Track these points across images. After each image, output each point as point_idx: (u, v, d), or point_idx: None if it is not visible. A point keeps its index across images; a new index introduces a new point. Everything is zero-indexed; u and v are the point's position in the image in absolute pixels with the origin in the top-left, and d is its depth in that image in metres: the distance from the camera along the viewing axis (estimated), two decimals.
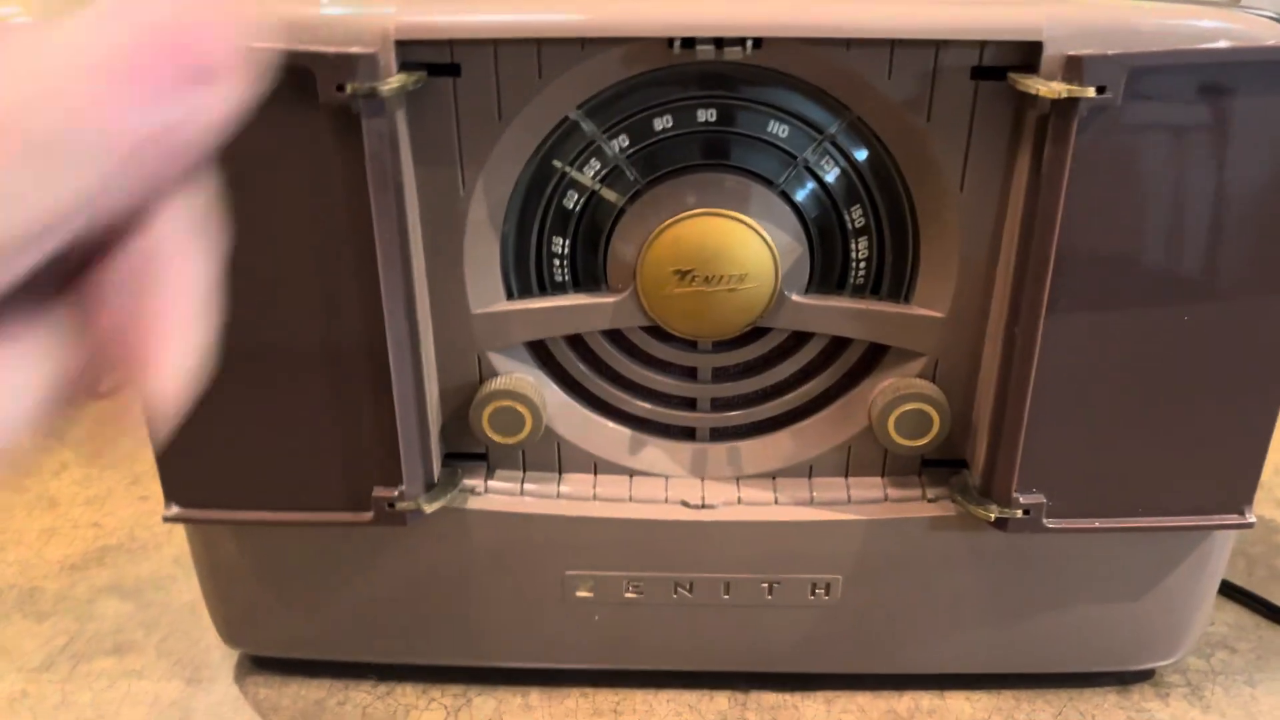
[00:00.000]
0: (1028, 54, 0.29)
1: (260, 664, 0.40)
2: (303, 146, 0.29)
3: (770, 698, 0.39)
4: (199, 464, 0.34)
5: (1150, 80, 0.28)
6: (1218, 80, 0.29)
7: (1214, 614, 0.43)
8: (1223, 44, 0.29)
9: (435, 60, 0.30)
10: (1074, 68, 0.28)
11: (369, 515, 0.34)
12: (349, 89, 0.28)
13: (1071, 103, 0.28)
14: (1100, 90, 0.28)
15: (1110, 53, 0.28)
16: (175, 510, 0.35)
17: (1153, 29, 0.29)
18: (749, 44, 0.29)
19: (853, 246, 0.34)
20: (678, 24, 0.29)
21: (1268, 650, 0.41)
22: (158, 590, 0.44)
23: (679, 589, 0.37)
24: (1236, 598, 0.43)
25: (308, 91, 0.29)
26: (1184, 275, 0.31)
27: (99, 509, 0.48)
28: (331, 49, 0.28)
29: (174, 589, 0.44)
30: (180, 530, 0.47)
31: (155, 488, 0.49)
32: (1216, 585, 0.38)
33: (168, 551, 0.46)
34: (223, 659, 0.41)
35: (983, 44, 0.30)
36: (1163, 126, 0.29)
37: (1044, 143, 0.29)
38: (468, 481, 0.36)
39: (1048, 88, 0.28)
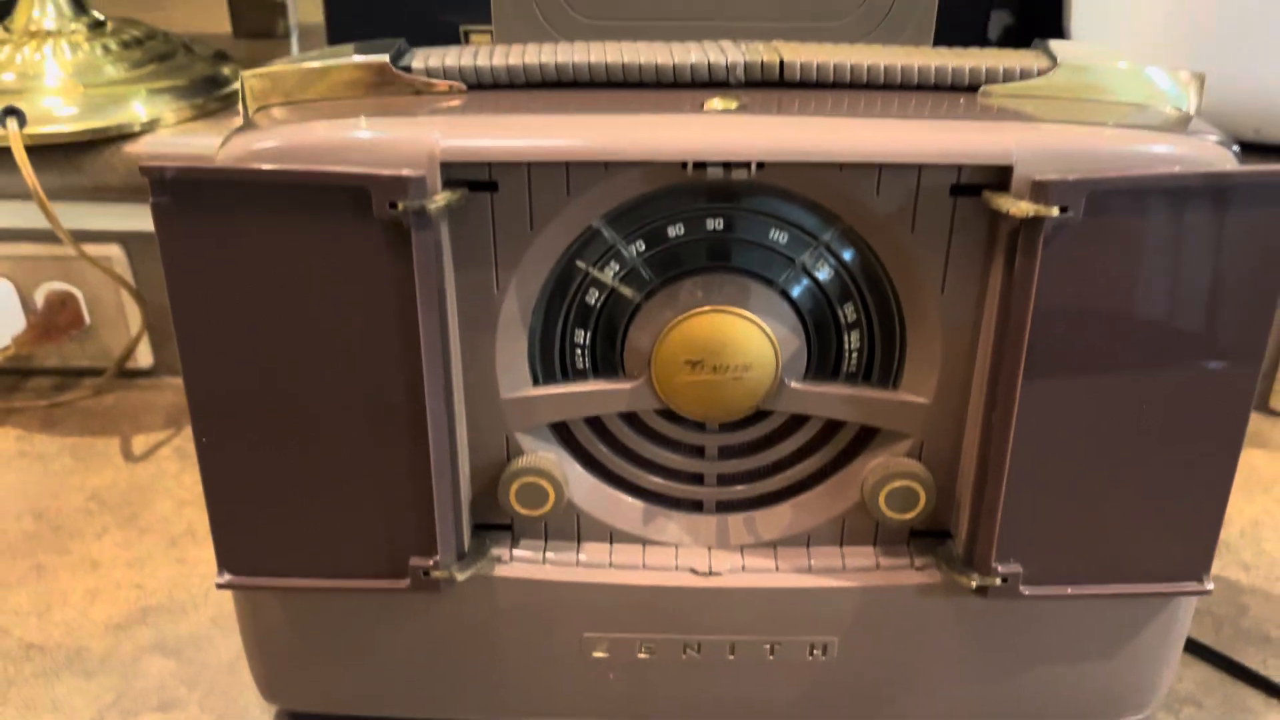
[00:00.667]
0: (1000, 175, 0.33)
1: (297, 719, 0.43)
2: (360, 254, 0.33)
3: None
4: (250, 536, 0.38)
5: (1107, 200, 0.32)
6: (1166, 198, 0.33)
7: (1182, 671, 0.46)
8: (1171, 167, 0.33)
9: (475, 179, 0.34)
10: (1040, 190, 0.32)
11: (406, 583, 0.38)
12: (401, 206, 0.32)
13: (1038, 220, 0.32)
14: (1063, 209, 0.32)
15: (1071, 177, 0.32)
16: (227, 578, 0.38)
17: (1110, 153, 0.33)
18: (753, 166, 0.33)
19: (845, 339, 0.37)
20: (691, 150, 0.33)
21: (1232, 706, 0.44)
22: (198, 649, 0.47)
23: (688, 650, 0.40)
24: (1204, 656, 0.47)
25: (365, 207, 0.32)
26: (1140, 367, 0.34)
27: (139, 571, 0.52)
28: (385, 172, 0.32)
29: (212, 648, 0.47)
30: (215, 592, 0.50)
31: (192, 550, 0.53)
32: (1181, 645, 0.41)
33: (205, 612, 0.49)
34: (261, 714, 0.43)
35: (960, 166, 0.34)
36: (1119, 239, 0.33)
37: (1015, 253, 0.33)
38: (495, 551, 0.39)
39: (1017, 207, 0.32)
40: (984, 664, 0.40)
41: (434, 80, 0.36)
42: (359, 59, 0.36)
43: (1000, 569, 0.37)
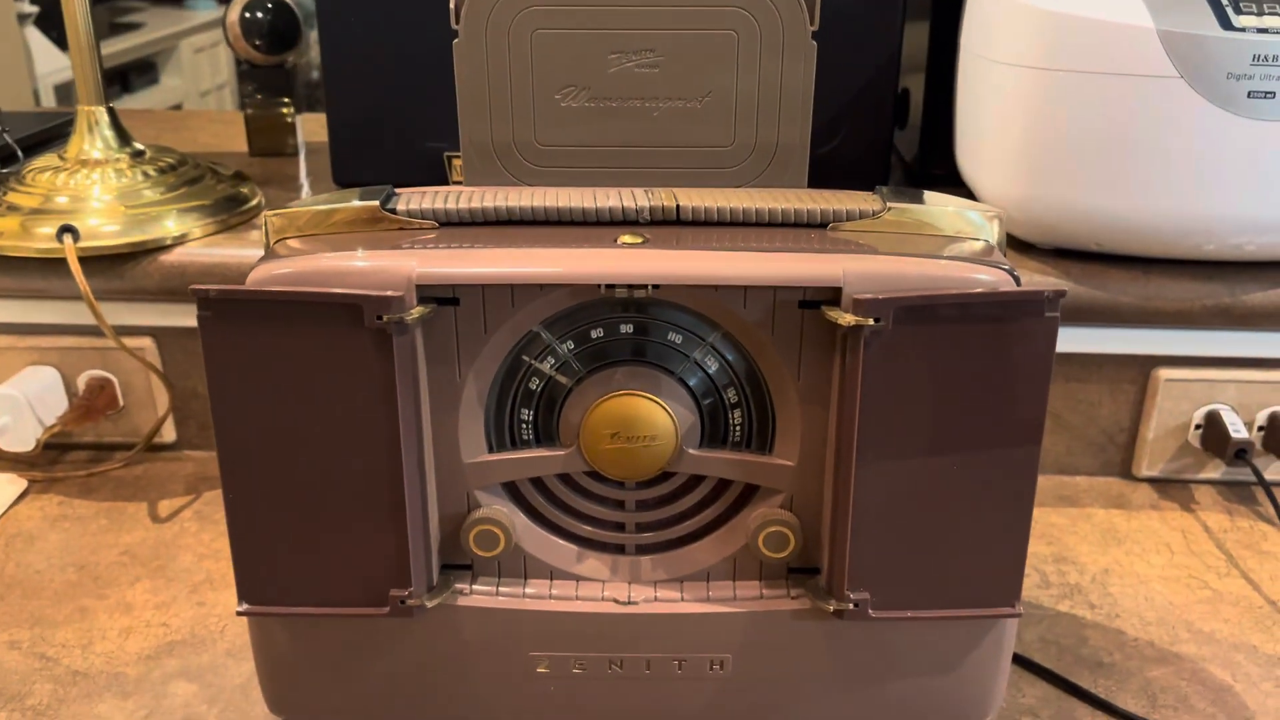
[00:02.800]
0: (834, 294, 0.44)
1: None
2: (354, 354, 0.44)
3: None
4: (264, 572, 0.48)
5: (911, 313, 0.43)
6: (955, 311, 0.44)
7: (1025, 689, 0.56)
8: (963, 289, 0.44)
9: (442, 296, 0.45)
10: (859, 305, 0.43)
11: (386, 610, 0.48)
12: (385, 318, 0.43)
13: (859, 328, 0.43)
14: (877, 320, 0.43)
15: (882, 296, 0.43)
16: (245, 606, 0.48)
17: (916, 276, 0.44)
18: (650, 288, 0.45)
19: (730, 416, 0.48)
20: (605, 275, 0.44)
21: (1064, 717, 0.54)
22: (215, 674, 0.57)
23: (613, 665, 0.50)
24: (1045, 677, 0.57)
25: (358, 319, 0.43)
26: (948, 440, 0.45)
27: (166, 612, 0.61)
28: (374, 292, 0.43)
29: (228, 673, 0.57)
30: (230, 629, 0.60)
31: (210, 596, 0.63)
32: (1009, 660, 0.51)
33: (222, 645, 0.59)
34: None
35: (804, 287, 0.45)
36: (923, 343, 0.44)
37: (846, 352, 0.44)
38: (458, 585, 0.50)
39: (844, 318, 0.43)
40: (849, 678, 0.50)
41: (414, 219, 0.48)
42: (356, 204, 0.48)
43: (852, 596, 0.47)
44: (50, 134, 0.90)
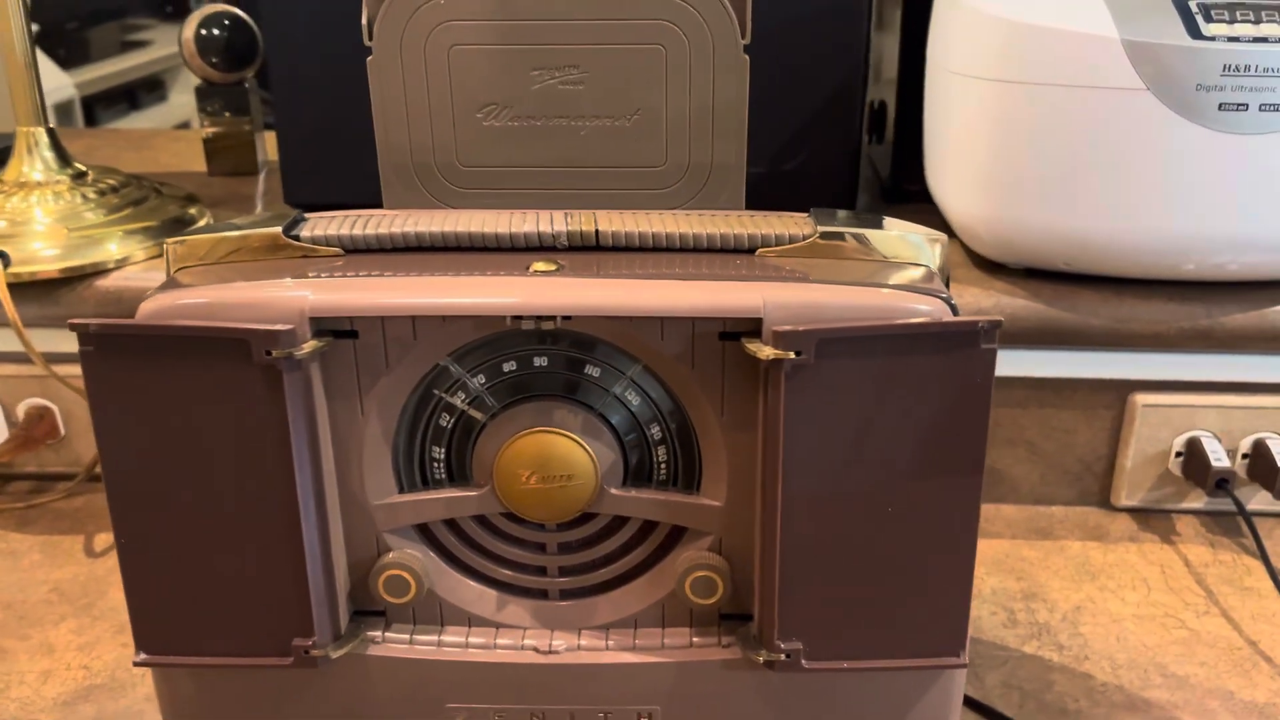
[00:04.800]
0: (754, 324, 0.42)
1: None
2: (244, 391, 0.41)
3: None
4: (162, 621, 0.45)
5: (835, 345, 0.40)
6: (883, 343, 0.41)
7: None
8: (893, 318, 0.41)
9: (338, 329, 0.43)
10: (779, 338, 0.40)
11: (289, 660, 0.45)
12: (274, 353, 0.41)
13: (779, 362, 0.40)
14: (798, 353, 0.40)
15: (802, 328, 0.40)
16: (143, 656, 0.46)
17: (840, 307, 0.41)
18: (559, 319, 0.42)
19: (654, 453, 0.45)
20: (510, 306, 0.41)
21: None
22: None
23: (534, 717, 0.47)
24: None
25: (247, 354, 0.41)
26: (879, 477, 0.42)
27: (89, 654, 0.59)
28: (261, 325, 0.41)
29: None
30: (150, 673, 0.57)
31: None
32: (959, 711, 0.48)
33: (141, 690, 0.56)
34: None
35: (724, 318, 0.42)
36: (849, 376, 0.41)
37: (768, 386, 0.41)
38: (370, 633, 0.47)
39: (763, 351, 0.40)
40: None
41: (318, 246, 0.45)
42: (258, 230, 0.45)
43: (784, 646, 0.44)
44: None
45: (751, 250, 0.45)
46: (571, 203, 0.51)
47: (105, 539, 0.69)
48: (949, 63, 0.65)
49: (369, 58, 0.49)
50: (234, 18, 0.87)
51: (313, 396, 0.42)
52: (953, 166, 0.67)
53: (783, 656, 0.44)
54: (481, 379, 0.45)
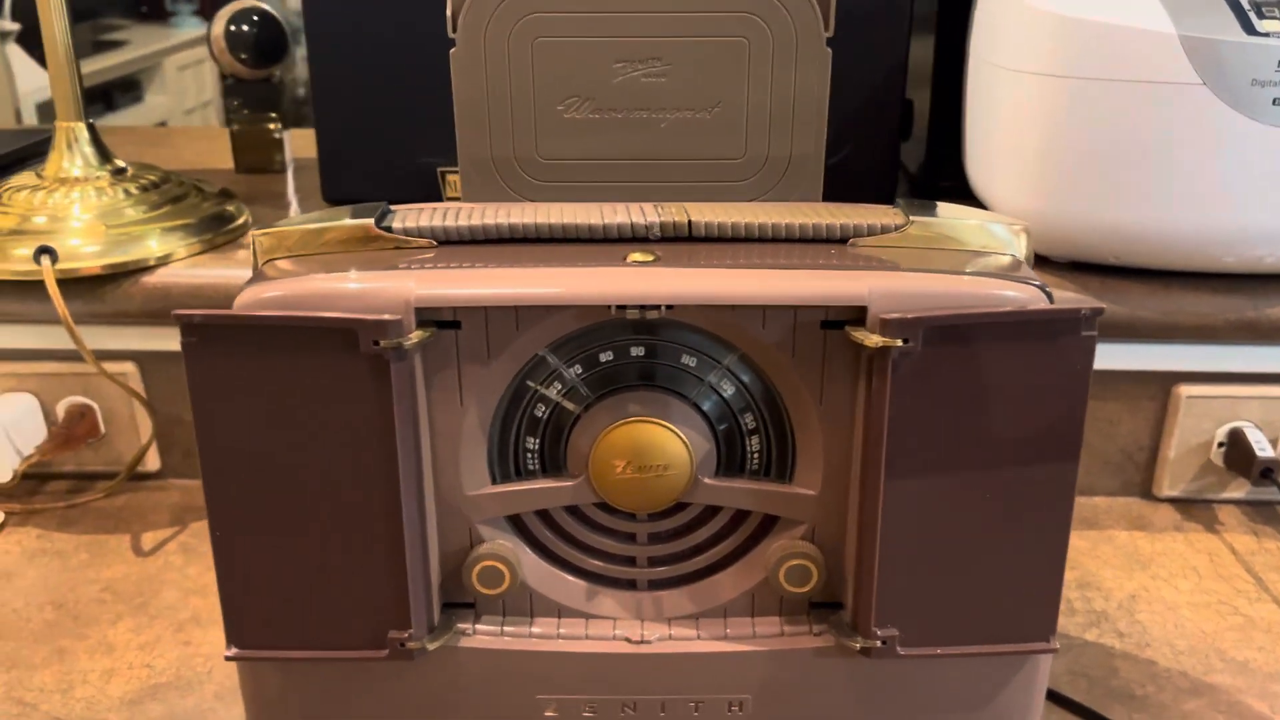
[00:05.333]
0: (858, 313, 0.42)
1: None
2: (349, 381, 0.41)
3: None
4: (254, 614, 0.45)
5: (941, 333, 0.41)
6: (987, 330, 0.41)
7: None
8: (994, 307, 0.41)
9: (442, 319, 0.42)
10: (886, 326, 0.41)
11: (385, 652, 0.45)
12: (382, 344, 0.40)
13: (886, 349, 0.41)
14: (905, 341, 0.41)
15: (910, 315, 0.40)
16: (235, 650, 0.45)
17: (944, 294, 0.42)
18: (663, 308, 0.42)
19: (747, 442, 0.46)
20: (615, 295, 0.42)
21: None
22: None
23: (625, 709, 0.47)
24: (1076, 711, 0.54)
25: (353, 345, 0.41)
26: (981, 464, 0.43)
27: (150, 653, 0.58)
28: (370, 316, 0.40)
29: (216, 719, 0.54)
30: (218, 670, 0.57)
31: (196, 634, 0.60)
32: (1042, 697, 0.48)
33: (209, 688, 0.56)
34: None
35: (827, 307, 0.42)
36: (954, 363, 0.41)
37: (872, 374, 0.42)
38: (460, 625, 0.47)
39: (870, 339, 0.41)
40: (874, 718, 0.48)
41: (410, 238, 0.45)
42: (349, 221, 0.45)
43: (880, 633, 0.45)
44: (27, 152, 0.87)
45: (844, 240, 0.45)
46: (648, 195, 0.51)
47: (152, 538, 0.68)
48: (998, 58, 0.66)
49: (452, 50, 0.49)
50: (263, 13, 0.87)
51: (416, 387, 0.42)
52: (1001, 161, 0.68)
53: (879, 643, 0.45)
54: (578, 369, 0.45)
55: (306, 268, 0.44)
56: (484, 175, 0.51)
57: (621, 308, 0.42)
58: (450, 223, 0.45)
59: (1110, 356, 0.69)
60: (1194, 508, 0.71)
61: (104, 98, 3.00)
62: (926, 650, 0.45)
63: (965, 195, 0.76)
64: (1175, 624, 0.60)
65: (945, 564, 0.44)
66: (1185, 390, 0.69)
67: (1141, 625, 0.60)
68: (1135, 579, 0.64)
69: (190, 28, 3.56)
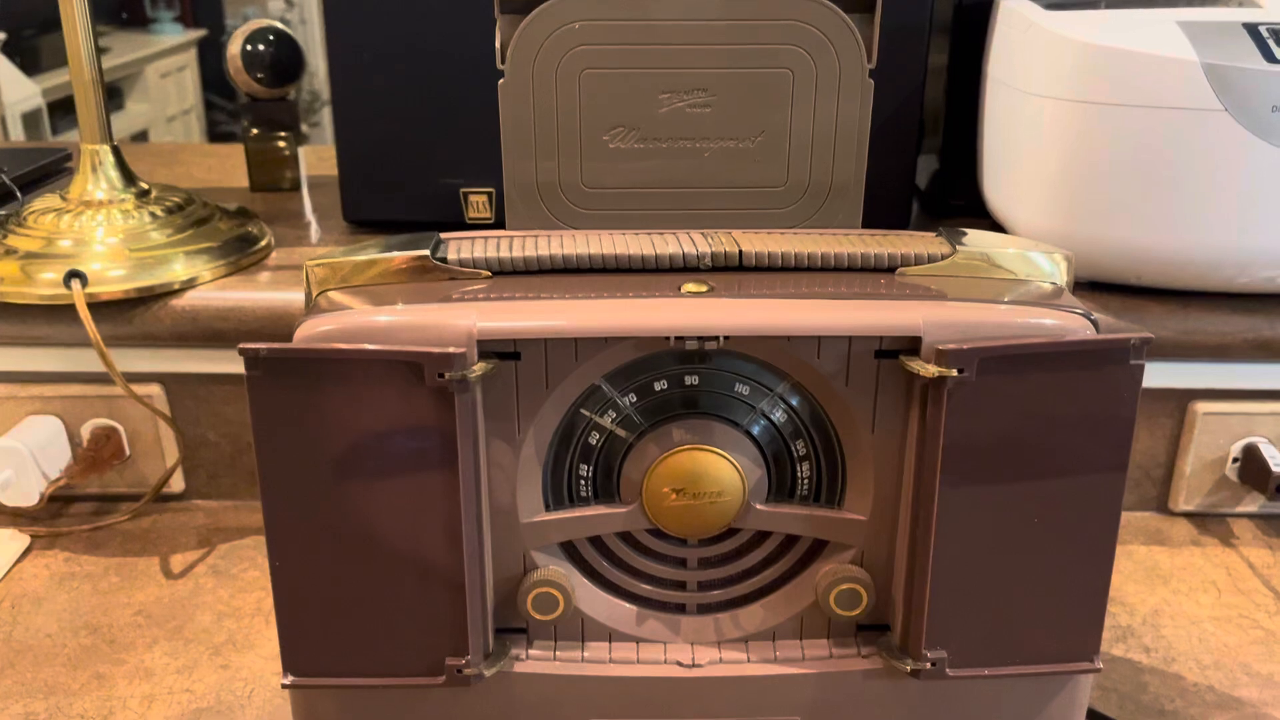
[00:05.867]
0: (912, 343, 0.43)
1: None
2: (412, 412, 0.42)
3: None
4: (311, 642, 0.45)
5: (995, 363, 0.42)
6: (1039, 360, 0.42)
7: None
8: (1044, 336, 0.42)
9: (503, 351, 0.43)
10: (942, 356, 0.42)
11: (441, 679, 0.45)
12: (447, 376, 0.41)
13: (942, 379, 0.42)
14: (960, 371, 0.41)
15: (966, 346, 0.41)
16: (291, 679, 0.46)
17: (997, 325, 0.43)
18: (721, 339, 0.43)
19: (798, 469, 0.46)
20: (673, 327, 0.42)
21: None
22: None
23: None
24: None
25: (418, 377, 0.41)
26: (1031, 489, 0.44)
27: (188, 677, 0.58)
28: (435, 349, 0.41)
29: None
30: (258, 694, 0.57)
31: (234, 658, 0.60)
32: (1084, 716, 0.49)
33: (250, 713, 0.56)
34: None
35: (881, 337, 0.43)
36: (1007, 391, 0.42)
37: (927, 403, 0.43)
38: (514, 651, 0.47)
39: (925, 369, 0.42)
40: None
41: (465, 269, 0.46)
42: (404, 253, 0.46)
43: (929, 655, 0.45)
44: (45, 170, 0.87)
45: (891, 269, 0.46)
46: (691, 222, 0.52)
47: (181, 560, 0.69)
48: (1019, 82, 0.67)
49: (500, 81, 0.49)
50: (279, 33, 0.87)
51: (477, 417, 0.43)
52: (1022, 183, 0.69)
53: (928, 665, 0.46)
54: (632, 398, 0.45)
55: (362, 299, 0.44)
56: (528, 201, 0.52)
57: (680, 339, 0.43)
58: (505, 253, 0.46)
59: None
60: (1209, 522, 0.73)
61: None
62: (974, 671, 0.46)
63: (977, 213, 0.77)
64: (1199, 638, 0.62)
65: (993, 587, 0.45)
66: (1201, 407, 0.70)
67: (1166, 640, 0.61)
68: (1157, 594, 0.66)
69: (172, 35, 3.54)
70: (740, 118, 0.50)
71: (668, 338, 0.43)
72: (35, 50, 2.89)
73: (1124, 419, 0.43)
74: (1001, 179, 0.72)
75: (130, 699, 0.57)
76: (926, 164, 0.87)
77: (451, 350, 0.41)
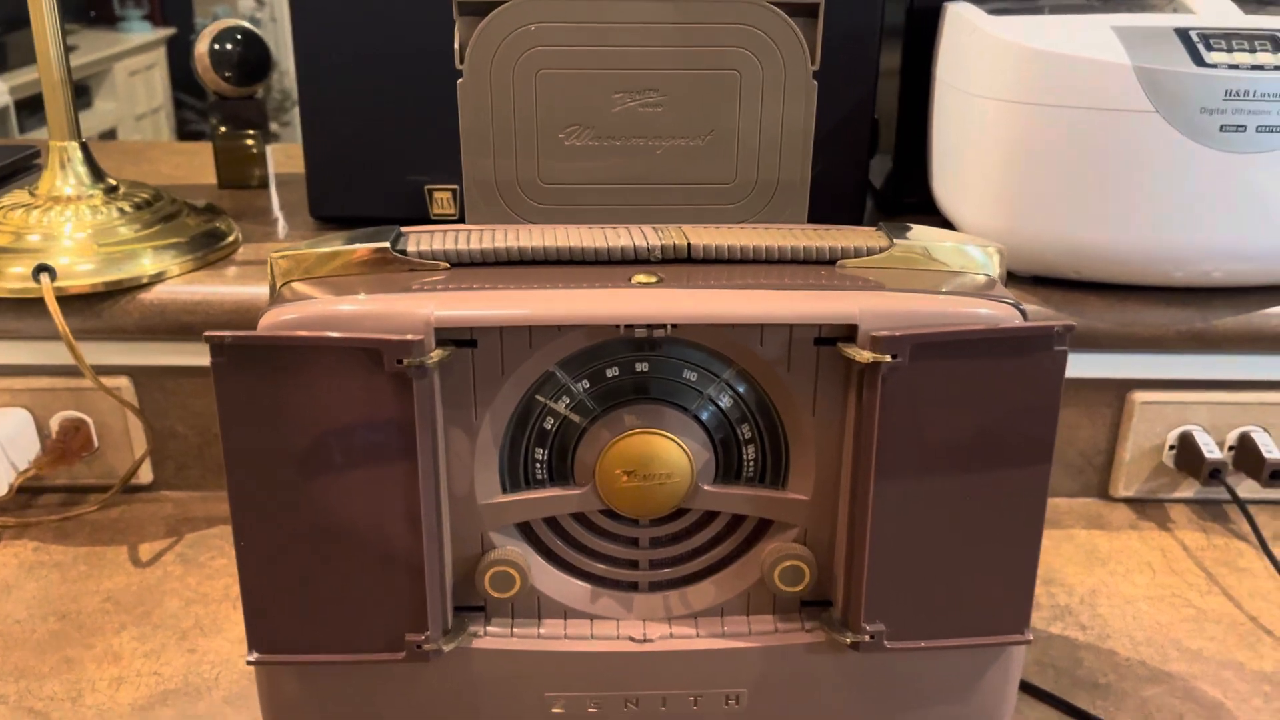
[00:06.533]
0: (849, 330, 0.45)
1: None
2: (372, 398, 0.44)
3: None
4: (275, 620, 0.47)
5: (926, 349, 0.44)
6: (969, 347, 0.45)
7: (1027, 712, 0.57)
8: (974, 325, 0.45)
9: (460, 339, 0.45)
10: (876, 343, 0.44)
11: (402, 655, 0.47)
12: (405, 362, 0.43)
13: (876, 364, 0.44)
14: (894, 356, 0.44)
15: (898, 333, 0.44)
16: (256, 656, 0.47)
17: (928, 314, 0.45)
18: (669, 327, 0.45)
19: (744, 451, 0.49)
20: (623, 316, 0.44)
21: None
22: None
23: (628, 704, 0.50)
24: (1045, 700, 0.58)
25: (377, 363, 0.43)
26: (962, 470, 0.46)
27: (156, 660, 0.60)
28: (394, 336, 0.43)
29: None
30: (225, 676, 0.59)
31: (201, 642, 0.61)
32: (1016, 686, 0.52)
33: (218, 694, 0.58)
34: None
35: (820, 325, 0.45)
36: (938, 376, 0.45)
37: (863, 387, 0.45)
38: (472, 627, 0.49)
39: (861, 355, 0.44)
40: (863, 709, 0.51)
41: (424, 260, 0.47)
42: (365, 245, 0.47)
43: (868, 628, 0.48)
44: (14, 167, 0.88)
45: (832, 262, 0.49)
46: (644, 217, 0.54)
47: (149, 549, 0.70)
48: (964, 84, 0.70)
49: (459, 80, 0.51)
50: (246, 32, 0.88)
51: (435, 402, 0.45)
52: (967, 181, 0.71)
53: (867, 638, 0.48)
54: (585, 384, 0.47)
55: (325, 289, 0.46)
56: (487, 197, 0.54)
57: (630, 327, 0.45)
58: (462, 246, 0.48)
59: (1069, 365, 0.72)
60: (1148, 507, 0.76)
61: None
62: (911, 644, 0.48)
63: (929, 211, 0.80)
64: (1133, 616, 0.64)
65: (929, 563, 0.47)
66: (1139, 397, 0.73)
67: (1102, 618, 0.64)
68: (1095, 575, 0.68)
69: (140, 33, 3.52)
70: (690, 117, 0.53)
71: (618, 326, 0.45)
72: (2, 48, 2.87)
73: (1050, 403, 0.46)
74: (949, 177, 0.74)
75: (99, 681, 0.58)
76: (882, 164, 0.89)
77: (410, 337, 0.43)
